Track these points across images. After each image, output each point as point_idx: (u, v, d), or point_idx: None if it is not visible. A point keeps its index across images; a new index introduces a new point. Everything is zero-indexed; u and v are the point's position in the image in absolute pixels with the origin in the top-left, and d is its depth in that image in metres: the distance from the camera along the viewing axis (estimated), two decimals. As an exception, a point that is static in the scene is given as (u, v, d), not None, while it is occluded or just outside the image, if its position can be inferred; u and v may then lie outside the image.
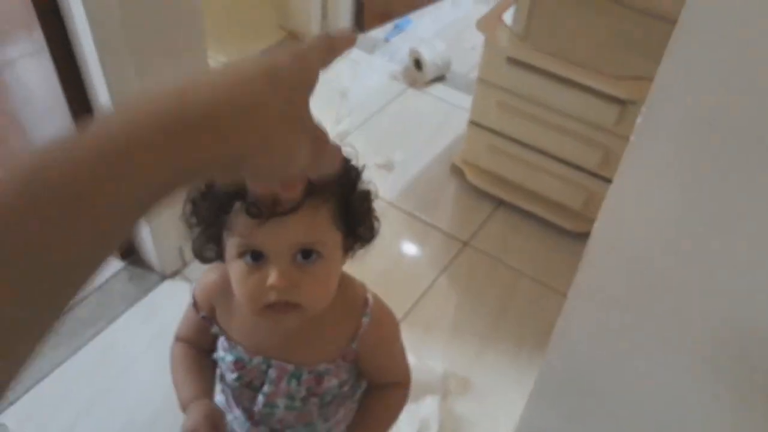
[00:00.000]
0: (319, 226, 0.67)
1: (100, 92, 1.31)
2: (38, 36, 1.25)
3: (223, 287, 0.76)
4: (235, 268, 0.68)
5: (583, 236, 1.81)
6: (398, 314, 1.61)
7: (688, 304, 0.86)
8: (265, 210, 0.62)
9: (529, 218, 1.86)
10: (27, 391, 1.40)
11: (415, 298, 1.66)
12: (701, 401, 0.95)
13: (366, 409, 0.87)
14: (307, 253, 0.67)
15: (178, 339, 0.87)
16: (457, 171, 1.99)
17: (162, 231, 1.58)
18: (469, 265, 1.76)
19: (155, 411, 1.37)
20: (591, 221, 1.86)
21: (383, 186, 1.91)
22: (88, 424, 1.36)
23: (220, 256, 0.72)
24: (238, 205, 0.65)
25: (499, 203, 1.91)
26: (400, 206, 1.90)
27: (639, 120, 0.71)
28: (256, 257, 0.67)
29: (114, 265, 1.66)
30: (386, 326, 0.83)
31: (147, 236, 1.58)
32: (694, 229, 0.78)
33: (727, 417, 0.92)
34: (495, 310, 1.66)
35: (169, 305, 1.59)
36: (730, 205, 0.71)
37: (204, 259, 0.74)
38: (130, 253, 1.68)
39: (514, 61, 1.63)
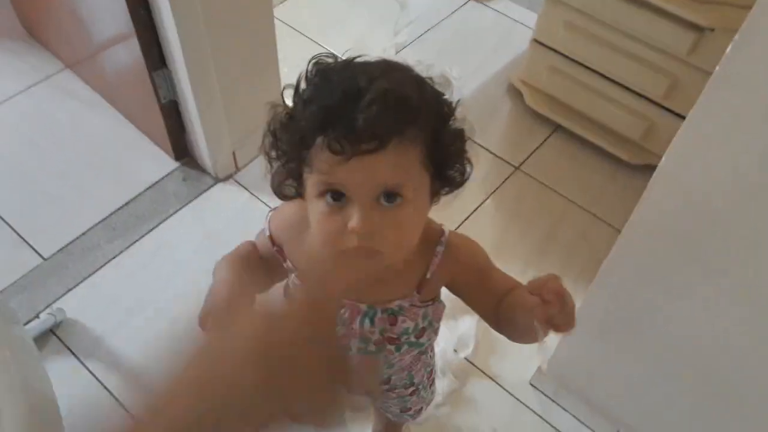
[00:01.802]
0: (405, 166, 0.61)
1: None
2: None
3: (299, 222, 0.72)
4: (315, 208, 0.64)
5: (639, 168, 1.76)
6: (443, 233, 1.62)
7: (747, 253, 0.83)
8: (348, 147, 0.58)
9: (586, 146, 1.81)
10: (84, 279, 1.48)
11: (460, 220, 1.66)
12: (747, 347, 0.94)
13: (516, 300, 0.73)
14: (391, 196, 0.61)
15: (253, 243, 0.82)
16: (514, 91, 1.93)
17: (216, 135, 1.59)
18: (518, 190, 1.74)
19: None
20: (649, 153, 1.81)
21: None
22: (139, 316, 1.44)
23: (300, 194, 0.67)
24: (320, 139, 0.59)
25: (556, 128, 1.86)
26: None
27: (729, 49, 0.65)
28: (337, 197, 0.61)
29: (169, 164, 1.70)
30: (463, 248, 0.76)
31: (201, 138, 1.60)
32: (764, 179, 0.74)
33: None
34: (541, 236, 1.64)
35: (221, 208, 1.63)
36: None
37: (283, 196, 0.69)
38: (185, 155, 1.71)
39: (586, -22, 1.54)
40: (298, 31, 2.10)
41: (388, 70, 0.63)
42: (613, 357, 1.20)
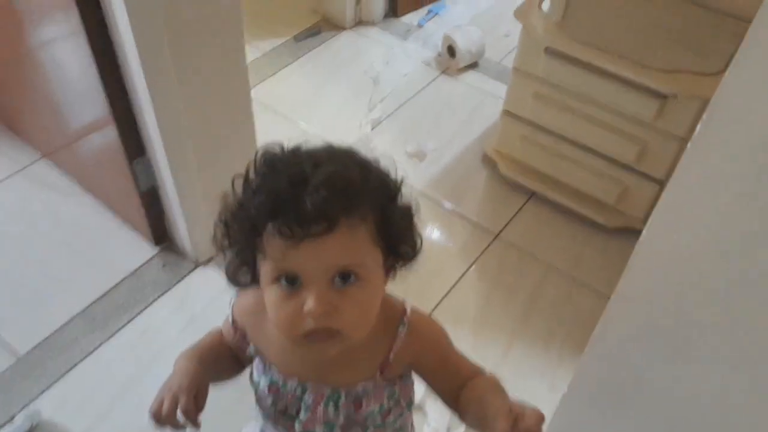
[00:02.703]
0: (357, 246, 0.62)
1: (136, 75, 1.31)
2: (74, 16, 1.26)
3: (257, 309, 0.73)
4: (270, 294, 0.64)
5: (616, 231, 1.78)
6: (427, 307, 1.62)
7: (737, 315, 0.83)
8: (299, 231, 0.59)
9: (562, 211, 1.84)
10: (62, 376, 1.43)
11: (445, 290, 1.65)
12: (745, 410, 0.93)
13: (477, 393, 0.73)
14: (345, 276, 0.62)
15: (220, 331, 0.83)
16: (489, 161, 1.97)
17: (196, 219, 1.59)
18: (499, 258, 1.75)
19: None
20: (626, 216, 1.84)
21: (414, 175, 1.91)
22: (121, 411, 1.39)
23: (254, 280, 0.68)
24: (270, 226, 0.61)
25: (531, 195, 1.89)
26: (430, 195, 1.89)
27: (703, 118, 0.67)
28: (292, 281, 0.62)
29: (147, 251, 1.68)
30: (425, 330, 0.77)
31: (181, 223, 1.59)
32: (749, 240, 0.75)
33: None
34: (525, 303, 1.64)
35: (202, 292, 1.61)
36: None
37: (238, 284, 0.70)
38: (165, 240, 1.69)
39: (551, 51, 1.60)
40: (274, 110, 2.13)
41: (332, 155, 0.65)
42: (610, 425, 1.18)
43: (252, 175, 0.65)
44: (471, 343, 1.54)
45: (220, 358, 0.81)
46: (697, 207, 0.79)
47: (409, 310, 0.76)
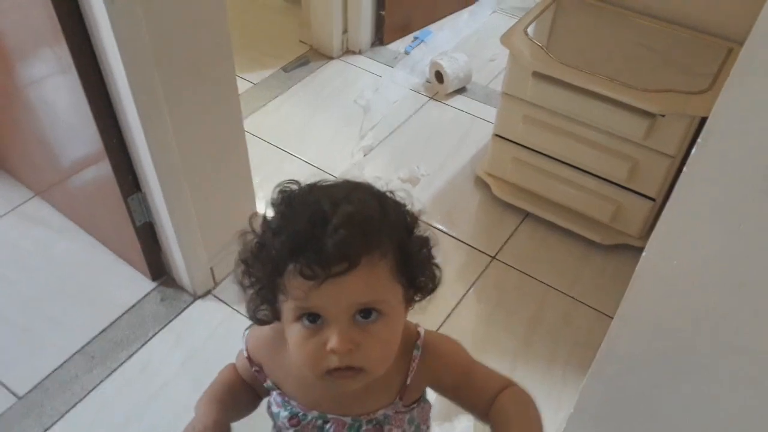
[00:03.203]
0: (378, 283, 0.63)
1: (129, 111, 1.32)
2: (65, 54, 1.27)
3: (276, 340, 0.74)
4: (293, 332, 0.65)
5: (612, 248, 1.80)
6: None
7: (740, 335, 0.84)
8: (320, 271, 0.59)
9: (557, 231, 1.85)
10: (62, 416, 1.41)
11: (444, 315, 1.66)
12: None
13: (504, 421, 0.73)
14: (367, 313, 0.63)
15: (234, 366, 0.84)
16: (481, 183, 1.99)
17: (193, 252, 1.59)
18: (497, 280, 1.76)
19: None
20: (620, 233, 1.86)
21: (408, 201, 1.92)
22: (124, 447, 1.37)
23: (275, 317, 0.69)
24: (291, 266, 0.61)
25: (526, 216, 1.91)
26: (425, 220, 1.89)
27: (698, 142, 0.68)
28: (314, 319, 0.63)
29: (145, 286, 1.67)
30: (441, 349, 0.77)
31: (178, 257, 1.59)
32: (748, 263, 0.76)
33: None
34: (525, 325, 1.65)
35: (201, 326, 1.60)
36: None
37: (259, 321, 0.71)
38: (162, 274, 1.69)
39: (539, 75, 1.63)
40: (266, 141, 2.15)
41: (349, 192, 0.66)
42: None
43: (270, 212, 0.65)
44: (473, 367, 1.54)
45: (238, 395, 0.81)
46: (696, 228, 0.80)
47: (422, 333, 0.77)
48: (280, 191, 0.66)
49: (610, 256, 1.79)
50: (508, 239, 1.86)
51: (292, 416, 0.77)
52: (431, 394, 0.82)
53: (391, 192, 0.69)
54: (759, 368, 0.84)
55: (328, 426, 0.76)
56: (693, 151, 0.70)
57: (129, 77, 1.24)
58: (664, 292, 0.90)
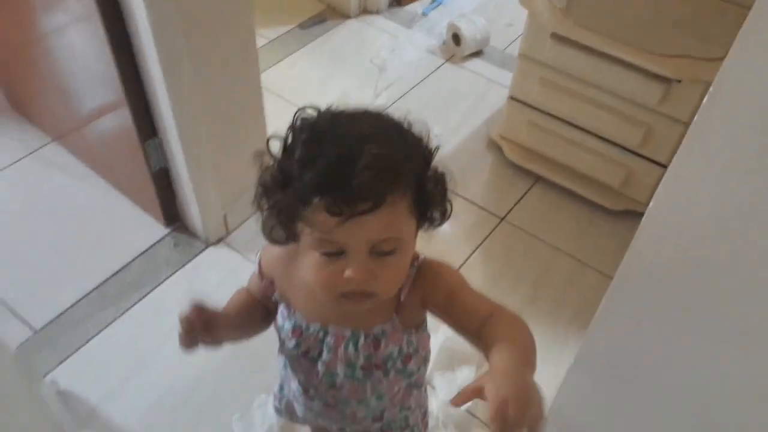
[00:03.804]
0: (397, 220, 0.66)
1: (150, 58, 1.34)
2: (90, 1, 1.28)
3: (285, 261, 0.78)
4: (311, 258, 0.68)
5: (621, 214, 1.81)
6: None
7: (737, 294, 0.86)
8: (347, 209, 0.62)
9: (567, 195, 1.86)
10: (77, 349, 1.46)
11: (451, 272, 1.68)
12: (746, 390, 0.95)
13: (491, 339, 0.69)
14: (384, 245, 0.66)
15: (246, 288, 0.88)
16: (494, 146, 1.99)
17: (207, 199, 1.61)
18: (505, 241, 1.78)
19: (195, 377, 1.42)
20: (629, 199, 1.87)
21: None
22: (132, 385, 1.42)
23: (290, 239, 0.71)
24: (317, 199, 0.63)
25: (537, 179, 1.92)
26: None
27: (705, 100, 0.69)
28: (333, 250, 0.66)
29: (159, 230, 1.70)
30: (433, 269, 0.78)
31: (192, 204, 1.62)
32: (751, 219, 0.78)
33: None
34: (531, 285, 1.67)
35: (213, 272, 1.63)
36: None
37: (273, 241, 0.73)
38: (175, 221, 1.72)
39: (557, 37, 1.62)
40: (281, 97, 2.15)
41: (375, 127, 0.68)
42: (613, 405, 1.21)
43: (290, 138, 0.67)
44: (477, 323, 1.57)
45: (250, 308, 0.85)
46: (699, 188, 0.81)
47: (421, 256, 0.79)
48: (302, 120, 0.68)
49: (618, 221, 1.80)
50: (517, 202, 1.87)
51: (296, 328, 0.81)
52: (435, 345, 0.84)
53: (410, 123, 0.70)
54: (759, 320, 0.86)
55: (328, 338, 0.80)
56: (699, 110, 0.71)
57: (152, 25, 1.26)
58: (665, 250, 0.91)
